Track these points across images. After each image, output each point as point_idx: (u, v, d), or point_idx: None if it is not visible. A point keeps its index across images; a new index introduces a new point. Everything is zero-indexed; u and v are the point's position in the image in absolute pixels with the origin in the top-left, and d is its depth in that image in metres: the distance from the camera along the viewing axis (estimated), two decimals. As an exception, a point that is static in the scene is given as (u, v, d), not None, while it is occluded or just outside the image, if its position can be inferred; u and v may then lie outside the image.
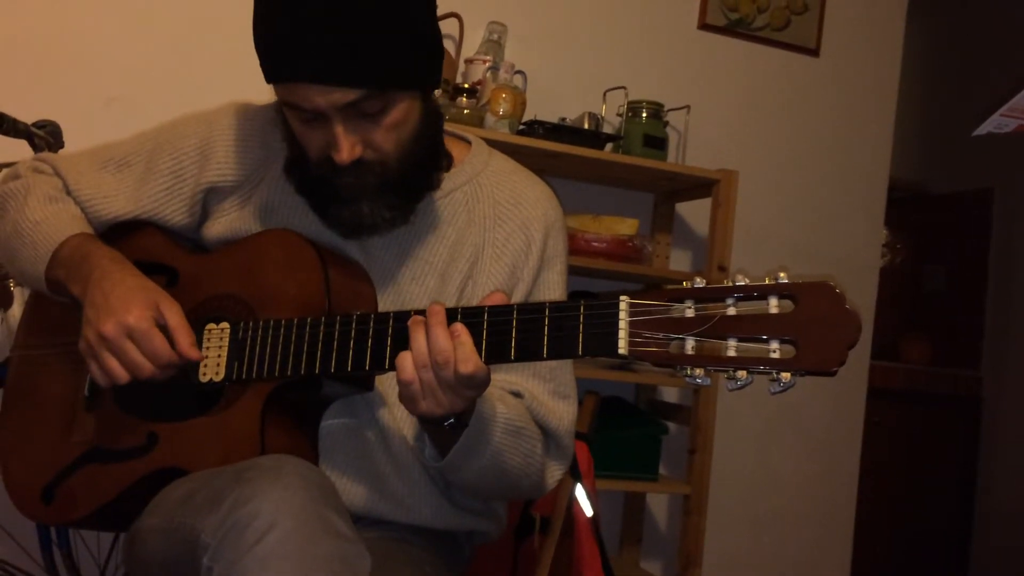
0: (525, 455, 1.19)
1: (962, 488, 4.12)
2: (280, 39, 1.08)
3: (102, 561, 1.85)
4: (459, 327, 1.01)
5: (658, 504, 2.79)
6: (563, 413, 1.27)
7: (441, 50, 1.21)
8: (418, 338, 1.02)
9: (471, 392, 1.04)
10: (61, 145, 1.71)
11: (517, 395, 1.24)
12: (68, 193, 1.31)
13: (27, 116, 1.67)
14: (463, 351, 1.00)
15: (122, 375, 1.13)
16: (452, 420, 1.09)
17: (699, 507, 2.43)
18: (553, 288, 1.31)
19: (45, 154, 1.43)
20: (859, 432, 3.01)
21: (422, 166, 1.21)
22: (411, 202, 1.21)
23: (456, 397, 1.03)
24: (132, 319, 1.12)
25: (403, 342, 1.05)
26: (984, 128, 1.33)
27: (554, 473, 1.28)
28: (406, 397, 1.05)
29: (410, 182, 1.20)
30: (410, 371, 1.02)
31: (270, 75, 1.12)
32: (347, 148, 1.12)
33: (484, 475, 1.17)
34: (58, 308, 1.30)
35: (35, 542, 1.63)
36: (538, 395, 1.25)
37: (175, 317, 1.15)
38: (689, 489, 2.44)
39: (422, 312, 1.05)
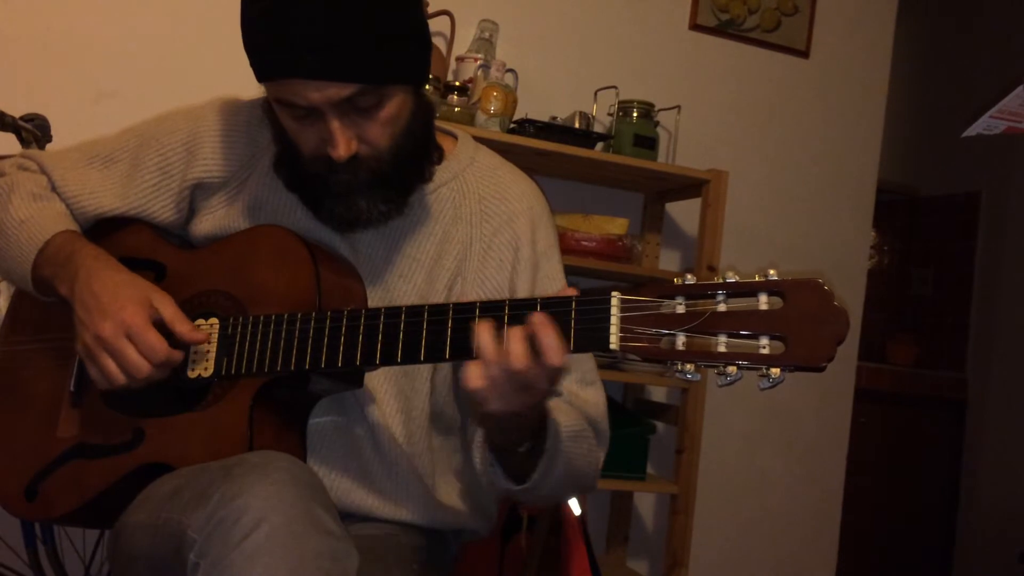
0: (587, 456, 1.20)
1: (946, 488, 4.14)
2: (273, 36, 1.08)
3: (87, 557, 1.84)
4: (537, 317, 0.96)
5: (645, 503, 2.79)
6: (595, 399, 1.27)
7: (430, 43, 1.21)
8: (486, 341, 0.97)
9: (546, 384, 0.99)
10: (49, 139, 1.70)
11: None
12: (53, 190, 1.31)
13: (15, 110, 1.66)
14: (551, 342, 0.95)
15: (120, 378, 1.13)
16: (528, 446, 1.09)
17: (686, 506, 2.43)
18: (555, 279, 1.31)
19: (30, 151, 1.42)
20: (845, 432, 3.02)
21: (415, 159, 1.21)
22: (405, 195, 1.22)
23: (528, 395, 0.99)
24: (128, 316, 1.12)
25: (395, 338, 1.05)
26: (974, 129, 1.34)
27: (601, 459, 1.28)
28: (476, 403, 1.01)
29: (404, 175, 1.20)
30: (477, 378, 0.98)
31: (262, 73, 1.12)
32: (343, 143, 1.12)
33: (557, 486, 1.17)
34: (42, 304, 1.29)
35: (19, 539, 1.62)
36: (570, 388, 1.25)
37: (169, 308, 1.15)
38: (676, 489, 2.45)
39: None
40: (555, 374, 0.98)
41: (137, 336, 1.11)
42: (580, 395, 1.26)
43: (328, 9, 1.06)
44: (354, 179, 1.16)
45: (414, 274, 1.25)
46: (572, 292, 0.99)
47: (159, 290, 1.17)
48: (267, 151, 1.26)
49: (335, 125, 1.11)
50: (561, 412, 1.17)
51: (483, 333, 0.98)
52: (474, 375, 0.98)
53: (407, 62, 1.14)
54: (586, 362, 1.29)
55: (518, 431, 1.08)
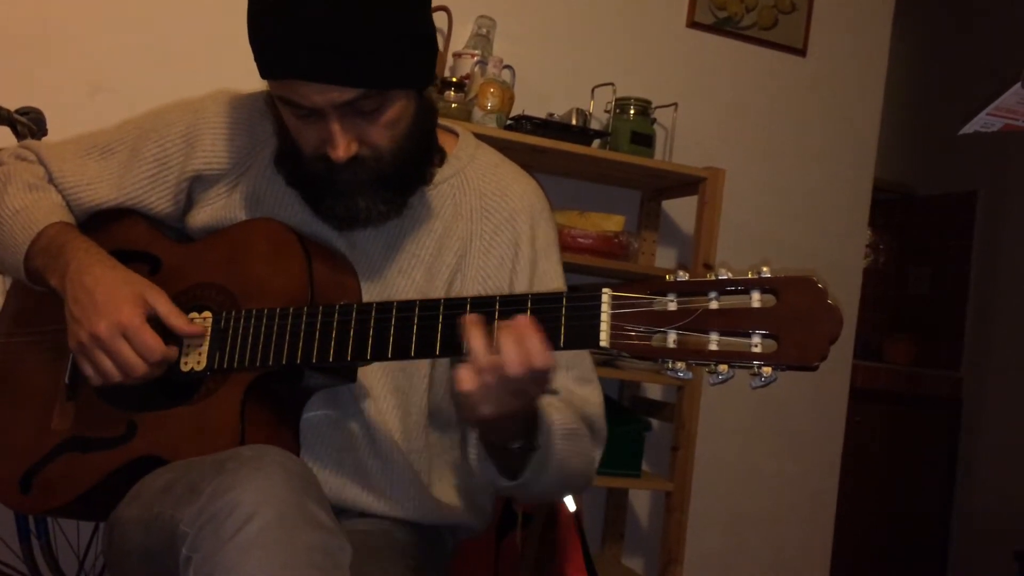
0: (582, 454, 1.20)
1: (942, 487, 4.14)
2: (278, 37, 1.08)
3: (81, 551, 1.83)
4: (523, 320, 0.96)
5: (640, 501, 2.80)
6: (592, 398, 1.27)
7: (436, 48, 1.21)
8: (477, 343, 0.96)
9: (537, 389, 0.99)
10: (44, 133, 1.69)
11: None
12: (51, 181, 1.31)
13: (10, 103, 1.65)
14: (533, 346, 0.95)
15: (116, 376, 1.13)
16: (520, 444, 1.09)
17: (681, 504, 2.43)
18: (553, 277, 1.31)
19: (29, 141, 1.42)
20: (841, 431, 3.02)
21: (416, 161, 1.21)
22: (405, 195, 1.21)
23: (520, 399, 0.99)
24: (124, 317, 1.12)
25: (386, 333, 1.04)
26: (971, 127, 1.33)
27: (597, 458, 1.27)
28: (466, 406, 1.00)
29: (404, 176, 1.20)
30: (469, 381, 0.97)
31: (266, 71, 1.12)
32: (343, 146, 1.12)
33: (550, 485, 1.17)
34: (38, 297, 1.29)
35: (13, 532, 1.62)
36: (567, 385, 1.25)
37: (163, 304, 1.15)
38: (671, 486, 2.45)
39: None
40: (543, 376, 0.97)
41: (133, 336, 1.12)
42: (577, 392, 1.26)
43: (334, 12, 1.05)
44: (354, 179, 1.16)
45: (413, 270, 1.25)
46: None
47: (152, 285, 1.17)
48: (267, 144, 1.26)
49: (336, 127, 1.11)
50: (555, 410, 1.16)
51: (475, 337, 0.96)
52: (467, 378, 0.97)
53: (411, 66, 1.14)
54: (584, 360, 1.29)
55: (510, 430, 1.08)
